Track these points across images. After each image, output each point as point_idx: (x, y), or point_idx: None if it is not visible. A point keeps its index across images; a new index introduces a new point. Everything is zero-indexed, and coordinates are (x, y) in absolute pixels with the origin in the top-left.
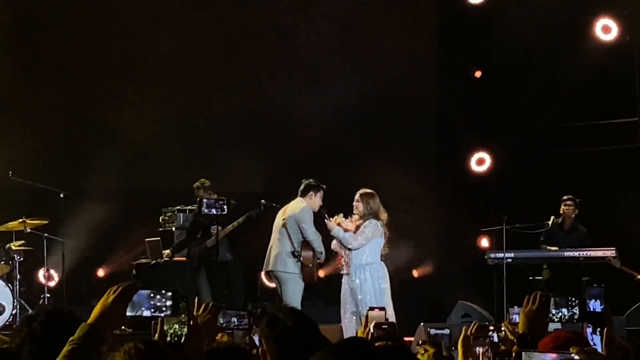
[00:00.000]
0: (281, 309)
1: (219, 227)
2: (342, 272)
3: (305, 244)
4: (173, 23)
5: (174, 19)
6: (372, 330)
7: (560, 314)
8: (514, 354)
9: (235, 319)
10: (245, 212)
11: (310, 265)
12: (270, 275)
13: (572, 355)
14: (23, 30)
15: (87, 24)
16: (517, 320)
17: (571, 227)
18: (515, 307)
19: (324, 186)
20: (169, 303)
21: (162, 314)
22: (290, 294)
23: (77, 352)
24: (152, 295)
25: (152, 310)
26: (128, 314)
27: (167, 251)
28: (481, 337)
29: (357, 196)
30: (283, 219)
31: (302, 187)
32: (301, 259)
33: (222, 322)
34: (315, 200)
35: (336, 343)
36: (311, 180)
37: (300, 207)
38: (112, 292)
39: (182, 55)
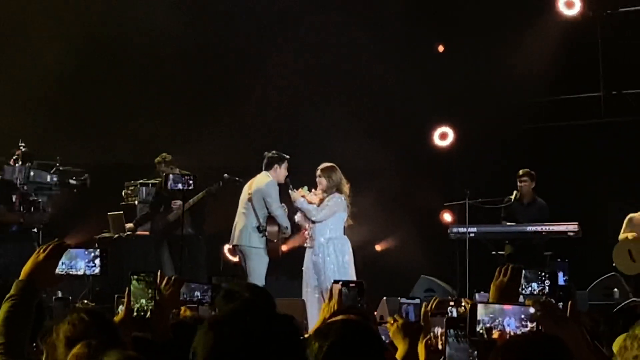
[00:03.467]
0: (238, 283)
1: (182, 202)
2: (305, 245)
3: (271, 219)
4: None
5: None
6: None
7: (530, 288)
8: (469, 305)
9: (198, 293)
10: (205, 186)
11: (276, 240)
12: (235, 249)
13: (528, 307)
14: None
15: None
16: None
17: (531, 200)
18: (482, 292)
19: (287, 156)
20: (97, 262)
21: (92, 273)
22: (255, 268)
23: (17, 307)
24: (83, 254)
25: (83, 268)
26: (57, 271)
27: (130, 224)
28: (439, 315)
29: (318, 172)
30: (249, 194)
31: (265, 161)
32: (266, 234)
33: (185, 295)
34: (281, 172)
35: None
36: (273, 152)
37: (265, 182)
38: (42, 250)
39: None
